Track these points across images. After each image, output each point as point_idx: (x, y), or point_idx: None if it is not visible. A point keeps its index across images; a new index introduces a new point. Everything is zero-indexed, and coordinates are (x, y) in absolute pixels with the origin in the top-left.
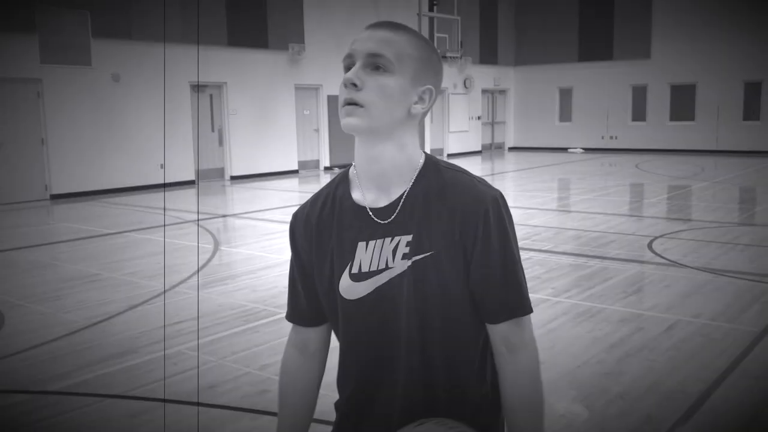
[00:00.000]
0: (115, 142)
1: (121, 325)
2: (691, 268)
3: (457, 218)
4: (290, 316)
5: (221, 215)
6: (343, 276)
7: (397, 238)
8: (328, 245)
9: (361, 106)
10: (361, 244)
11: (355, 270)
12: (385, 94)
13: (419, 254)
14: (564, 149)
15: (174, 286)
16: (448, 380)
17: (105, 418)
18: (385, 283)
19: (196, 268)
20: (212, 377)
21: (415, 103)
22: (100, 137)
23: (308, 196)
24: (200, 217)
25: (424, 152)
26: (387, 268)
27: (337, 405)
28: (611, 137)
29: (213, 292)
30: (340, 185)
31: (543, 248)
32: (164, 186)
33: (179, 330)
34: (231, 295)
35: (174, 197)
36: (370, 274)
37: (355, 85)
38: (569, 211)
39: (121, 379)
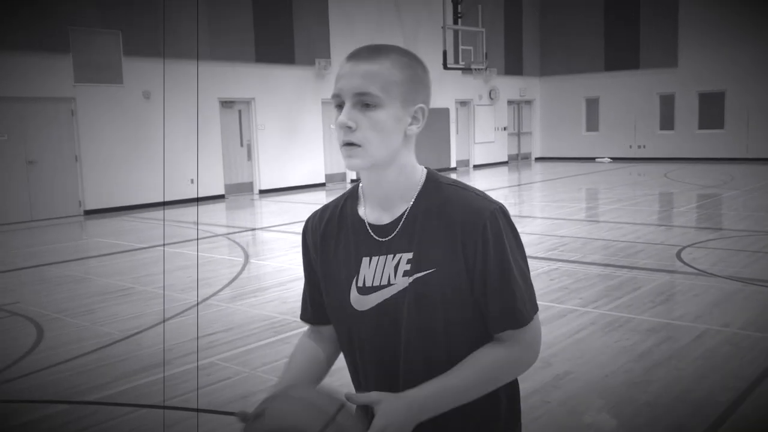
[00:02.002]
0: (147, 157)
1: (155, 337)
2: (721, 277)
3: (458, 234)
4: (303, 316)
5: (250, 228)
6: (351, 288)
7: (398, 256)
8: (331, 257)
9: (359, 146)
10: (365, 260)
11: (360, 284)
12: (379, 129)
13: (420, 272)
14: (591, 159)
15: (206, 299)
16: None
17: (141, 428)
18: (388, 299)
19: (229, 281)
20: (244, 387)
21: (410, 124)
22: (131, 153)
23: None
24: (230, 231)
25: (425, 168)
26: (389, 284)
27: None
28: (639, 146)
29: (244, 304)
30: (348, 200)
31: (571, 258)
32: (197, 200)
33: (211, 342)
34: (261, 306)
35: (204, 211)
36: (374, 289)
37: (349, 127)
38: (597, 221)
39: (156, 389)
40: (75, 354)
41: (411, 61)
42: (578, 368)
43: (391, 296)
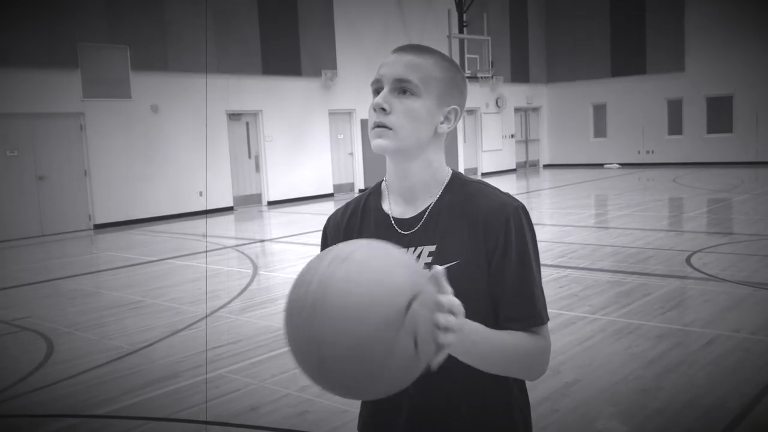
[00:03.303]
0: (155, 171)
1: (165, 350)
2: (731, 282)
3: (480, 227)
4: None
5: (259, 240)
6: None
7: (420, 248)
8: None
9: (390, 129)
10: None
11: None
12: (412, 117)
13: (442, 264)
14: (600, 165)
15: (215, 311)
16: (470, 394)
17: None
18: None
19: (238, 293)
20: (253, 399)
21: (441, 122)
22: (140, 167)
23: None
24: (239, 242)
25: (451, 169)
26: None
27: (359, 426)
28: (648, 152)
29: (253, 316)
30: (372, 196)
31: (580, 265)
32: (206, 213)
33: (220, 354)
34: (270, 318)
35: (213, 223)
36: None
37: (384, 109)
38: (606, 228)
39: (166, 402)
40: (85, 368)
41: (452, 66)
42: (588, 375)
43: None
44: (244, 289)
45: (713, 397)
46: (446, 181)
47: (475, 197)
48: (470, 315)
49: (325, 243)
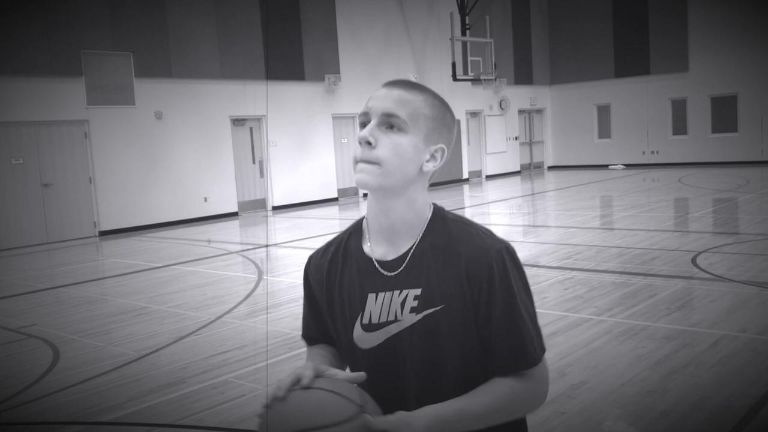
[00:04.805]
0: (160, 177)
1: (170, 356)
2: (737, 282)
3: (463, 274)
4: (305, 338)
5: (264, 245)
6: (355, 326)
7: (405, 292)
8: (336, 294)
9: (375, 164)
10: (371, 296)
11: (365, 321)
12: (398, 153)
13: (429, 308)
14: (604, 166)
15: (220, 317)
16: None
17: None
18: (395, 335)
19: (243, 298)
20: (259, 405)
21: (427, 161)
22: (145, 173)
23: (347, 224)
24: (244, 248)
25: (433, 204)
26: (396, 320)
27: None
28: (652, 152)
29: (257, 321)
30: (352, 236)
31: (585, 267)
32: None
33: (226, 359)
34: (275, 323)
35: (218, 229)
36: (379, 326)
37: (369, 143)
38: (612, 229)
39: (171, 408)
40: (91, 375)
41: (442, 105)
42: (594, 378)
43: (398, 333)
44: (249, 294)
45: (720, 398)
46: (427, 220)
47: (458, 241)
48: (458, 359)
49: (308, 283)
